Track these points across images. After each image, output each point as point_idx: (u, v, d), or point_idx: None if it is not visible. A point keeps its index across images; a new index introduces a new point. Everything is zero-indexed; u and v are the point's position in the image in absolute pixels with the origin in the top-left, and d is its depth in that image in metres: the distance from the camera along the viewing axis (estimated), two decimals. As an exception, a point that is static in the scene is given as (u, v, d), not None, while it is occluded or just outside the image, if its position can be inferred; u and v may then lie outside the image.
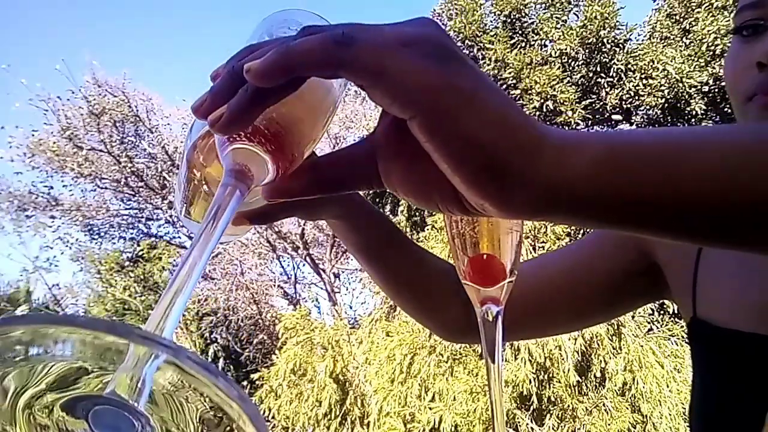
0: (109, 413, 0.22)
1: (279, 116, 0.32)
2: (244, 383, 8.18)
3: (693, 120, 7.18)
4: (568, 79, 7.27)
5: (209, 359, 8.42)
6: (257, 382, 7.16)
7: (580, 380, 5.19)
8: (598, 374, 5.23)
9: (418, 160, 0.29)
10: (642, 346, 5.20)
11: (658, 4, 8.26)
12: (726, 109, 7.36)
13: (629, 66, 7.32)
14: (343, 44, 0.26)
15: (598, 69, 7.42)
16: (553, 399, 5.20)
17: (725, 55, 0.62)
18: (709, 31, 7.12)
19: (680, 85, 7.05)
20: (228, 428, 0.22)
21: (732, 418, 0.55)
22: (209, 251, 0.30)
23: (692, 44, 7.40)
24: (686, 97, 7.16)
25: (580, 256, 0.70)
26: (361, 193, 0.62)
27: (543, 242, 5.91)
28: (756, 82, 0.56)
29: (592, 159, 0.27)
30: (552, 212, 0.29)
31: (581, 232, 6.47)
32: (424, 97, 0.26)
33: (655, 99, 7.21)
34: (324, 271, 10.11)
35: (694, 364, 0.62)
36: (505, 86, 6.94)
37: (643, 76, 7.27)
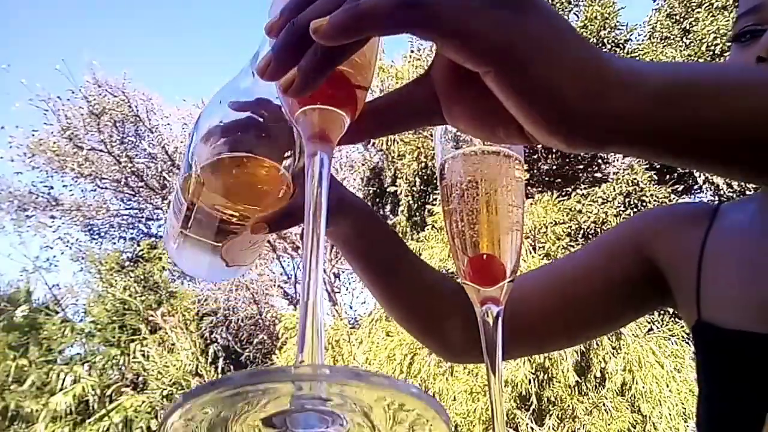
0: (304, 417, 0.26)
1: (346, 70, 0.32)
2: (244, 383, 8.18)
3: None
4: (568, 79, 7.27)
5: (209, 359, 8.42)
6: (257, 382, 7.15)
7: (580, 380, 5.19)
8: (598, 374, 5.23)
9: (481, 96, 0.30)
10: (642, 346, 5.20)
11: (658, 4, 8.26)
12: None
13: (629, 66, 7.32)
14: (414, 5, 0.26)
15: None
16: (552, 399, 5.20)
17: (726, 61, 0.62)
18: (709, 31, 7.12)
19: (680, 85, 7.05)
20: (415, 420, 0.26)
21: (739, 420, 0.54)
22: (323, 226, 0.31)
23: (692, 44, 7.40)
24: (686, 97, 7.15)
25: (583, 265, 0.69)
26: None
27: (543, 242, 5.91)
28: None
29: (652, 94, 0.28)
30: (613, 145, 0.29)
31: (581, 232, 6.46)
32: (497, 52, 0.26)
33: (655, 99, 7.21)
34: (324, 271, 10.07)
35: (698, 367, 0.62)
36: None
37: (643, 76, 7.27)
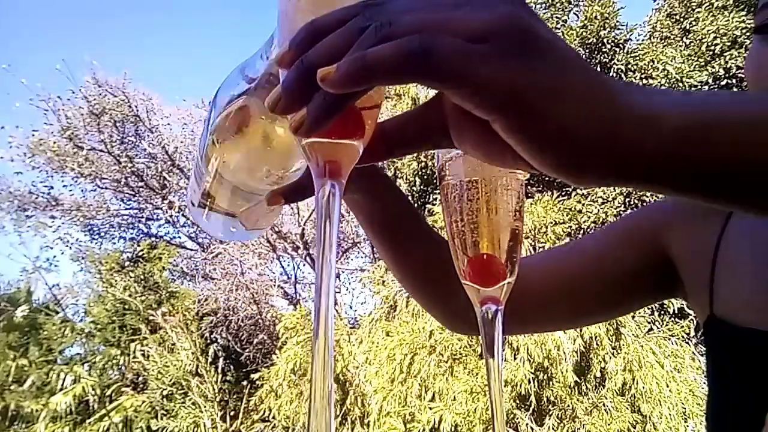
0: None
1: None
2: (244, 383, 8.17)
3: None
4: (568, 79, 7.27)
5: (209, 359, 8.41)
6: (257, 382, 7.15)
7: (580, 380, 5.19)
8: (598, 374, 5.24)
9: (490, 125, 0.30)
10: (642, 346, 5.20)
11: (658, 4, 8.26)
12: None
13: (629, 66, 7.32)
14: (420, 57, 0.25)
15: (599, 69, 7.41)
16: (552, 399, 5.20)
17: (746, 54, 0.61)
18: (709, 31, 7.12)
19: (680, 85, 7.05)
20: None
21: (747, 419, 0.53)
22: (333, 264, 0.31)
23: (692, 44, 7.40)
24: (686, 97, 7.16)
25: (591, 250, 0.69)
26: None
27: (543, 242, 5.90)
28: None
29: (671, 130, 0.27)
30: (626, 182, 0.29)
31: (581, 232, 6.46)
32: (504, 101, 0.26)
33: (655, 99, 7.21)
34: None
35: (708, 364, 0.61)
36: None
37: (643, 76, 7.26)
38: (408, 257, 0.63)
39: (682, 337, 5.54)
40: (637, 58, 7.30)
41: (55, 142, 10.13)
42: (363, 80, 0.26)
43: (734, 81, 7.08)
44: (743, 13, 7.04)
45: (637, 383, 5.07)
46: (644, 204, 6.65)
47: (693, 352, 5.37)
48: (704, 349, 0.63)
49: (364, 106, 0.32)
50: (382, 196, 0.59)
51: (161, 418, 8.12)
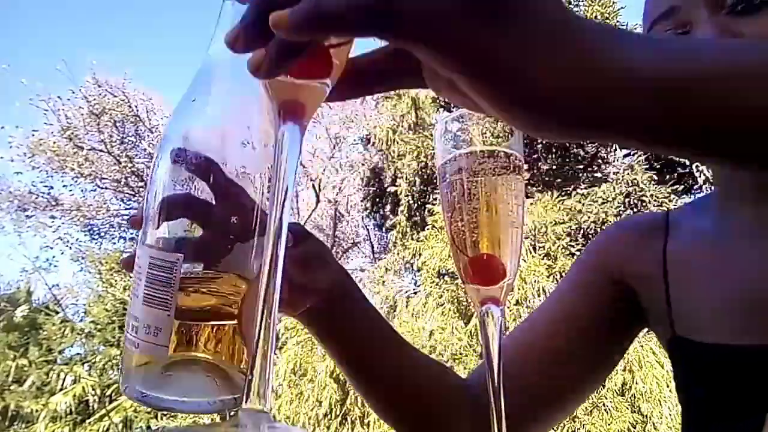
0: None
1: None
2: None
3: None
4: (568, 79, 7.28)
5: (209, 359, 8.40)
6: (257, 382, 7.15)
7: (580, 380, 5.19)
8: (598, 374, 5.24)
9: None
10: (642, 346, 5.20)
11: (658, 4, 8.26)
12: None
13: (629, 66, 7.34)
14: (381, 14, 0.24)
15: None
16: (553, 399, 5.20)
17: None
18: (709, 31, 7.12)
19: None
20: None
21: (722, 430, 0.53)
22: (287, 211, 0.29)
23: (692, 44, 7.41)
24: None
25: (556, 317, 0.65)
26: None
27: (543, 242, 5.91)
28: None
29: (647, 90, 0.26)
30: (602, 139, 0.28)
31: (581, 232, 6.47)
32: (471, 65, 0.25)
33: (655, 99, 7.22)
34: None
35: (678, 383, 0.60)
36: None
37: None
38: (386, 382, 0.58)
39: (682, 337, 5.54)
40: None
41: (55, 142, 10.14)
42: (317, 32, 0.24)
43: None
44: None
45: (637, 383, 5.08)
46: (644, 204, 6.65)
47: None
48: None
49: (333, 43, 0.29)
50: (351, 311, 0.55)
51: (161, 418, 8.12)
